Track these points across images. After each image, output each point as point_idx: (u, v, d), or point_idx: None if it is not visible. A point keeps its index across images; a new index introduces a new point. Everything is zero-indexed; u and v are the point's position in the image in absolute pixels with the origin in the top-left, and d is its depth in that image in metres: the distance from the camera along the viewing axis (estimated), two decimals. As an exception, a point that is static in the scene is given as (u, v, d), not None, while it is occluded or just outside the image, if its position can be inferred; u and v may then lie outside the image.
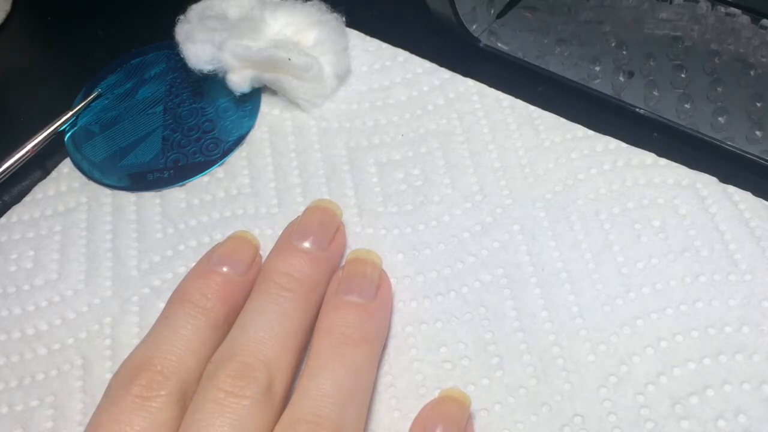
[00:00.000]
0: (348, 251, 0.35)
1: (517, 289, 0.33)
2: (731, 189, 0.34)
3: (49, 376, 0.33)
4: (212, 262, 0.32)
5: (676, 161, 0.36)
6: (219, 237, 0.36)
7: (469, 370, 0.31)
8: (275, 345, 0.29)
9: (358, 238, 0.36)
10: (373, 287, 0.32)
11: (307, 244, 0.33)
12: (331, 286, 0.32)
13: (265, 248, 0.34)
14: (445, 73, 0.41)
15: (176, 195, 0.38)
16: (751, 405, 0.29)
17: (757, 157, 0.36)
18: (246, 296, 0.32)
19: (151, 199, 0.38)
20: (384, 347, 0.32)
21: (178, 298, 0.31)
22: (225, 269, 0.32)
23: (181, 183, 0.38)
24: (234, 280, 0.32)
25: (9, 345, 0.34)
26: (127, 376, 0.28)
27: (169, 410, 0.28)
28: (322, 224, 0.33)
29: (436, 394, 0.31)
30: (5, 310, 0.35)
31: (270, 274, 0.32)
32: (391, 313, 0.33)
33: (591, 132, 0.37)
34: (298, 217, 0.34)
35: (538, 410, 0.30)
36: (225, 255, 0.33)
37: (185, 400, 0.28)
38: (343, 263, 0.33)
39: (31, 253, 0.37)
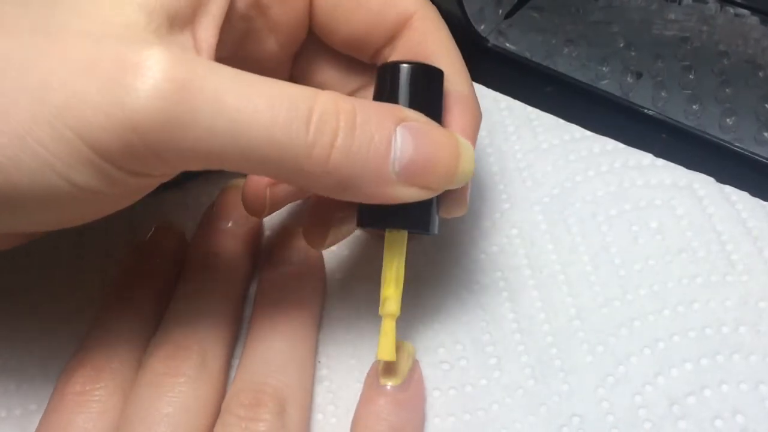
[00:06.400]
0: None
1: (516, 292, 0.33)
2: (728, 189, 0.35)
3: (48, 380, 0.33)
4: (140, 255, 0.34)
5: (683, 162, 0.36)
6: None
7: (467, 371, 0.31)
8: (205, 324, 0.31)
9: (357, 241, 0.36)
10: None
11: (227, 224, 0.34)
12: None
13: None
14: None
15: (175, 195, 0.38)
16: (748, 405, 0.29)
17: (766, 159, 0.36)
18: (176, 278, 0.33)
19: (147, 199, 0.38)
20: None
21: (110, 295, 0.33)
22: (153, 260, 0.34)
23: (179, 184, 0.38)
24: (162, 268, 0.33)
25: (7, 348, 0.34)
26: (64, 379, 0.30)
27: (107, 401, 0.29)
28: (237, 203, 0.34)
29: (435, 395, 0.31)
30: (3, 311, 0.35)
31: (195, 258, 0.33)
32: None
33: (588, 133, 0.37)
34: (214, 201, 0.35)
35: (536, 410, 0.30)
36: (150, 247, 0.34)
37: (125, 389, 0.29)
38: None
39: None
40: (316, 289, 0.33)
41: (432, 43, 0.29)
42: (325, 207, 0.30)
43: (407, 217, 0.28)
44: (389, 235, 0.29)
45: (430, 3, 0.30)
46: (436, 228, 0.29)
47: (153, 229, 0.35)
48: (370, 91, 0.30)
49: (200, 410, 0.28)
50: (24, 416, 0.32)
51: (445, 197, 0.28)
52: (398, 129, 0.25)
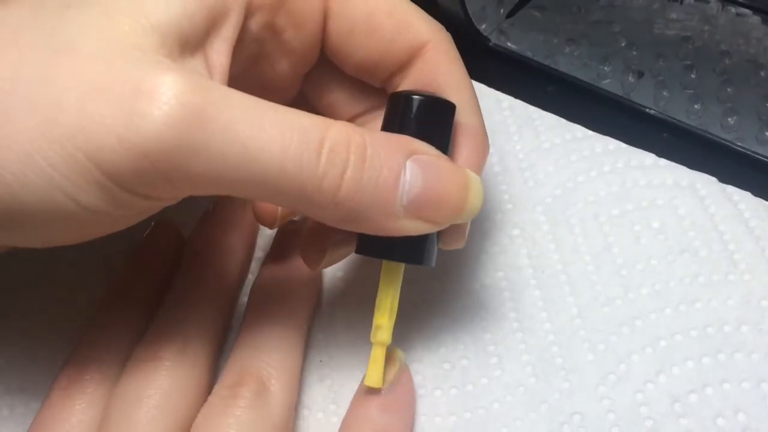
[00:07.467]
0: None
1: (517, 291, 0.33)
2: (730, 189, 0.34)
3: (49, 378, 0.33)
4: (138, 253, 0.34)
5: (684, 162, 0.36)
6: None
7: (468, 370, 0.31)
8: (192, 314, 0.31)
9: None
10: None
11: (224, 217, 0.35)
12: None
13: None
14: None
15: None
16: (750, 403, 0.29)
17: (767, 158, 0.36)
18: (173, 275, 0.33)
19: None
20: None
21: (108, 294, 0.33)
22: (150, 257, 0.34)
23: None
24: (159, 265, 0.34)
25: (9, 347, 0.34)
26: (57, 376, 0.30)
27: (95, 390, 0.29)
28: (237, 201, 0.35)
29: (436, 394, 0.31)
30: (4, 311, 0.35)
31: (191, 253, 0.34)
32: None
33: (591, 132, 0.37)
34: (215, 200, 0.36)
35: (536, 408, 0.30)
36: (148, 244, 0.35)
37: (114, 378, 0.30)
38: None
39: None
40: (311, 284, 0.33)
41: (444, 74, 0.29)
42: (323, 229, 0.30)
43: (405, 249, 0.27)
44: (386, 265, 0.29)
45: (446, 32, 0.30)
46: (433, 261, 0.28)
47: (151, 226, 0.35)
48: (379, 114, 0.30)
49: (179, 393, 0.28)
50: (26, 414, 0.32)
51: (445, 230, 0.28)
52: (408, 162, 0.25)
